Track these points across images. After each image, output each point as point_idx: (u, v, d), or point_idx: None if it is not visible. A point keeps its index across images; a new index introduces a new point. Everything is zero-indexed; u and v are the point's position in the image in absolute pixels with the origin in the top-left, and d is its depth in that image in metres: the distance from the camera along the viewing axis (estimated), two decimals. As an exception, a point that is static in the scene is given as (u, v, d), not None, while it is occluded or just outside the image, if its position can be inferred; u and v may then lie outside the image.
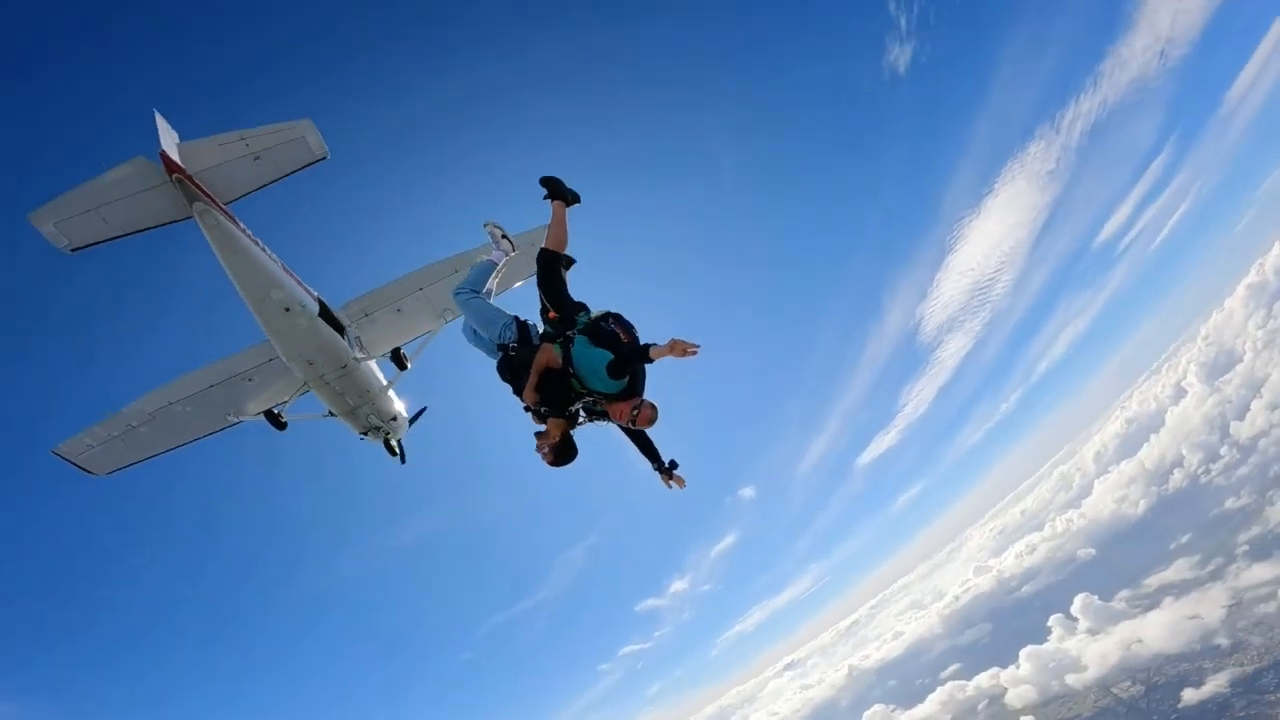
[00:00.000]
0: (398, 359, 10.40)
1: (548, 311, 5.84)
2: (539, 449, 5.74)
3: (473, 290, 6.14)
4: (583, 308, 5.82)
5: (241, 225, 8.01)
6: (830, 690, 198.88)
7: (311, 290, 8.94)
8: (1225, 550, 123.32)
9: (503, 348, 5.85)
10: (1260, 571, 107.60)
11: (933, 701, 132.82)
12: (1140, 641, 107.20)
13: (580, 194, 6.18)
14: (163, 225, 7.81)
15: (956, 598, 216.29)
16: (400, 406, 10.84)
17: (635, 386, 5.60)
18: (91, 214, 7.45)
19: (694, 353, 5.14)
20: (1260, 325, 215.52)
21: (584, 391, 5.57)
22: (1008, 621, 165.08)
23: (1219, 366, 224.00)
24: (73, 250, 7.67)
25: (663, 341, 5.22)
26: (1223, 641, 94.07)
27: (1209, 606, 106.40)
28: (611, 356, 5.36)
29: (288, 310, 8.51)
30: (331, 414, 10.29)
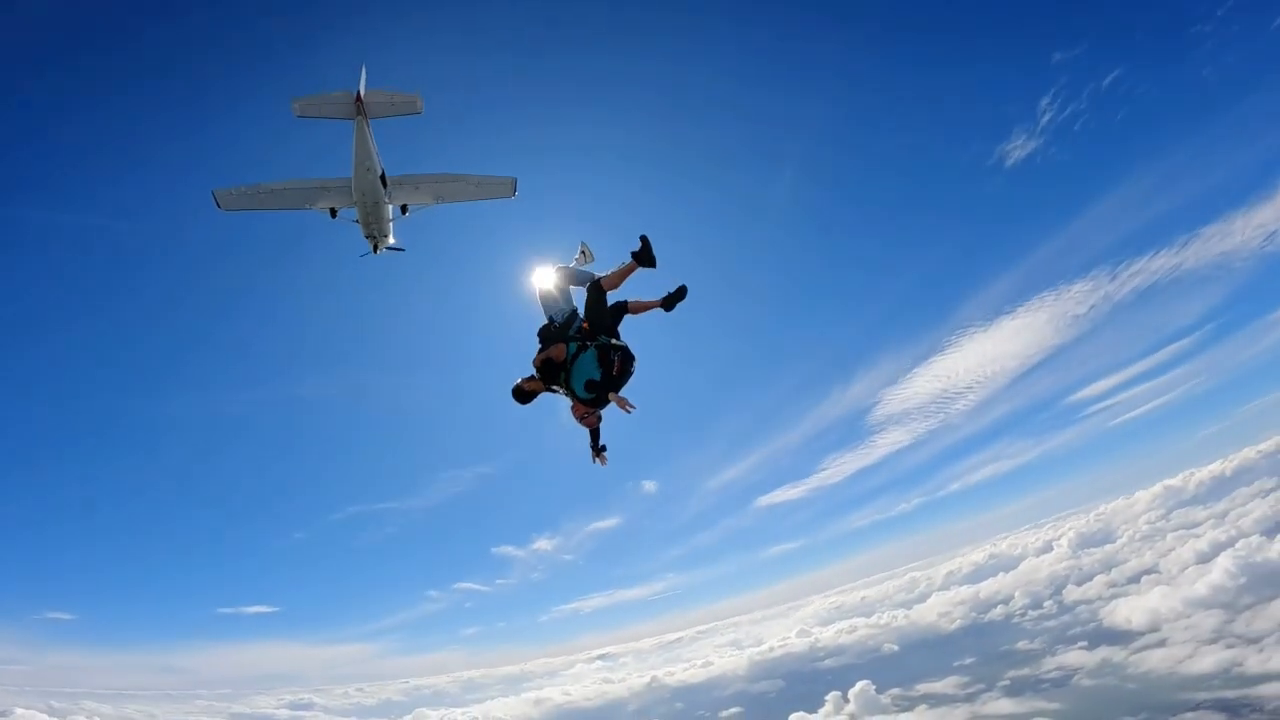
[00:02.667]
0: (404, 209, 18.33)
1: (585, 320, 7.87)
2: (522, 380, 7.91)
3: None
4: (611, 332, 7.70)
5: (370, 130, 16.18)
6: (625, 691, 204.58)
7: (381, 162, 16.74)
8: (989, 680, 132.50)
9: (550, 321, 7.85)
10: (1004, 705, 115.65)
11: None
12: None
13: (657, 260, 7.94)
14: (337, 119, 16.12)
15: (771, 649, 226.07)
16: (392, 233, 18.79)
17: (598, 401, 7.60)
18: (314, 105, 16.07)
19: (628, 410, 7.20)
20: (1151, 522, 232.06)
21: (565, 385, 7.49)
22: (798, 684, 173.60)
23: (1092, 540, 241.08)
24: (297, 116, 15.90)
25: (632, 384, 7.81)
26: None
27: None
28: (598, 376, 7.25)
29: (368, 170, 16.55)
30: (357, 222, 18.03)
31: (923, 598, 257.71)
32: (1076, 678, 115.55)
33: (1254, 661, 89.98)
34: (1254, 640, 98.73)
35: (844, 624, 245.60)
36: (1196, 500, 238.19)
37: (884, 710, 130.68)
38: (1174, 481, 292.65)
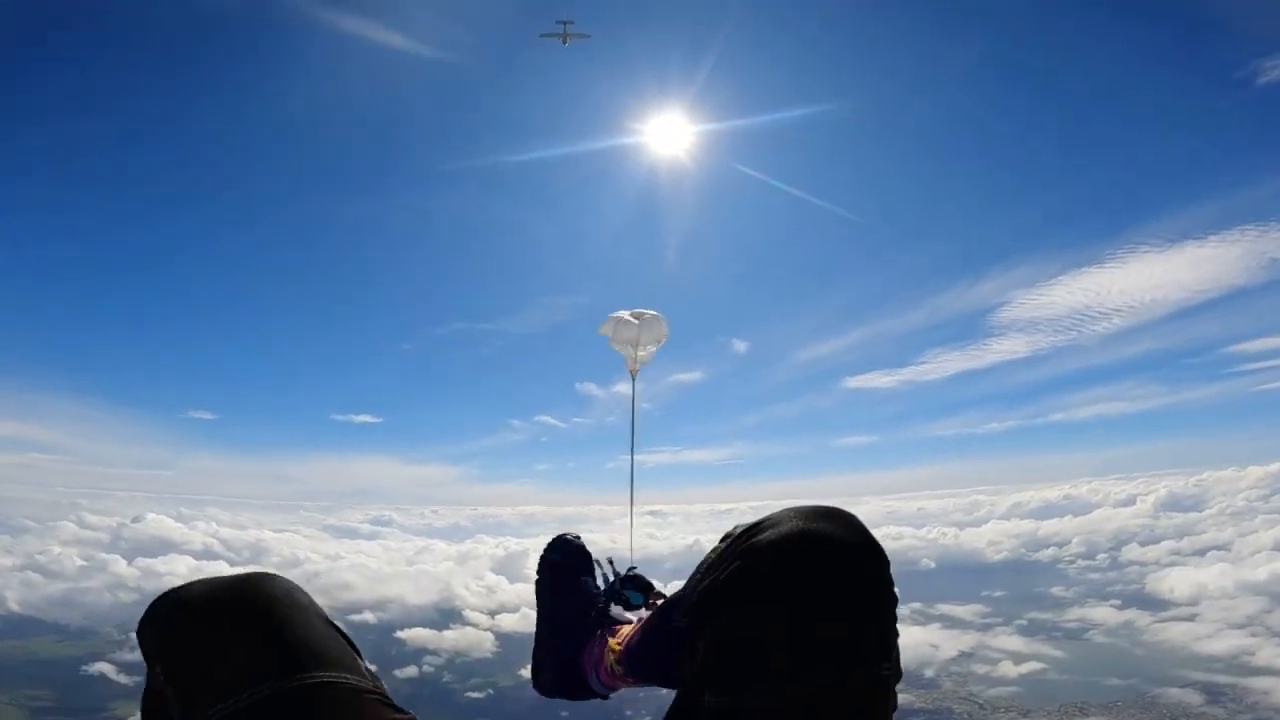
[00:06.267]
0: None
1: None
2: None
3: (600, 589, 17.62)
4: (627, 581, 17.05)
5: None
6: (666, 550, 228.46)
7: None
8: (1009, 615, 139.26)
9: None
10: (1012, 642, 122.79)
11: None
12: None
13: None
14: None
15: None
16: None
17: (646, 596, 17.04)
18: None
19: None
20: (1249, 500, 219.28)
21: (633, 602, 16.66)
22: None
23: (1180, 505, 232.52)
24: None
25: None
26: (929, 674, 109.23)
27: (951, 645, 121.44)
28: (641, 598, 16.37)
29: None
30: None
31: (979, 523, 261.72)
32: (1091, 633, 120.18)
33: (1266, 654, 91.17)
34: (1278, 635, 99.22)
35: (892, 529, 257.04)
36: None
37: (898, 620, 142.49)
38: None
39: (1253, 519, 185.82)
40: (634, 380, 12.75)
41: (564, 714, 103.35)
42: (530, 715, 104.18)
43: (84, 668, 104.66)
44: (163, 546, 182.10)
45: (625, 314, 12.66)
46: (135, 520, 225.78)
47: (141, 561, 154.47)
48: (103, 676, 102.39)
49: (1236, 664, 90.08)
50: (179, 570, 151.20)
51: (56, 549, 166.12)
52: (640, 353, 12.41)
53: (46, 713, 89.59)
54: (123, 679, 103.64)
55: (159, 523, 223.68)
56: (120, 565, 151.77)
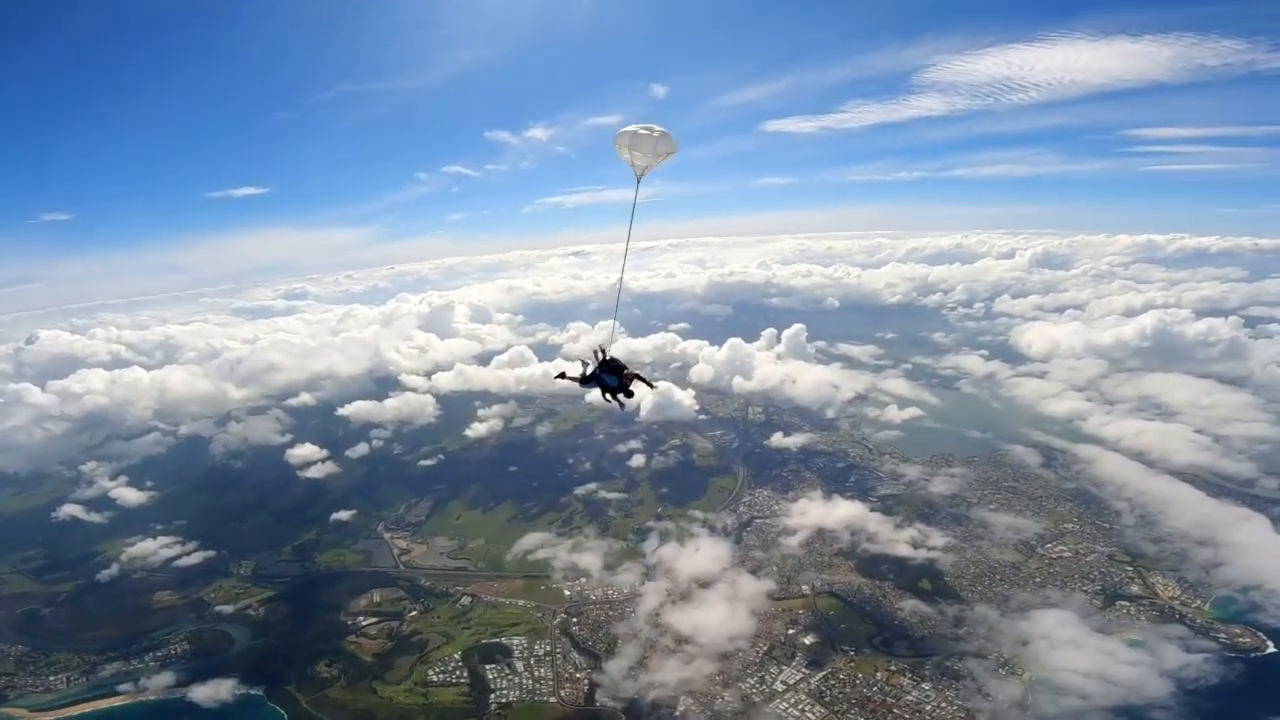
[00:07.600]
0: None
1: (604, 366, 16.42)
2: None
3: (585, 375, 16.42)
4: (603, 365, 16.13)
5: None
6: (591, 290, 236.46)
7: None
8: (897, 359, 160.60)
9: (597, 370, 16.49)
10: (898, 385, 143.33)
11: (648, 342, 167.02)
12: (793, 382, 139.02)
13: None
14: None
15: (730, 273, 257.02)
16: None
17: (619, 377, 15.84)
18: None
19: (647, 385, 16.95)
20: (1111, 265, 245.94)
21: (608, 383, 15.85)
22: (744, 314, 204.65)
23: (1051, 262, 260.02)
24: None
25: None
26: (830, 415, 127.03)
27: (849, 386, 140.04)
28: (615, 379, 16.11)
29: None
30: None
31: (880, 264, 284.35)
32: (961, 382, 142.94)
33: (1095, 421, 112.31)
34: (1109, 403, 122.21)
35: (802, 267, 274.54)
36: (1165, 262, 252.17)
37: (806, 358, 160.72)
38: (1160, 238, 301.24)
39: (1110, 283, 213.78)
40: (638, 183, 15.29)
41: (512, 469, 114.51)
42: (481, 474, 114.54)
43: (53, 514, 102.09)
44: (68, 364, 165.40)
45: (636, 127, 14.06)
46: (29, 342, 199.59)
47: (54, 385, 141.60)
48: (75, 521, 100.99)
49: (1070, 429, 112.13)
50: (96, 386, 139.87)
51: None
52: (654, 160, 14.66)
53: (47, 570, 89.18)
54: (95, 518, 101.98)
55: (54, 339, 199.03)
56: (35, 395, 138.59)
